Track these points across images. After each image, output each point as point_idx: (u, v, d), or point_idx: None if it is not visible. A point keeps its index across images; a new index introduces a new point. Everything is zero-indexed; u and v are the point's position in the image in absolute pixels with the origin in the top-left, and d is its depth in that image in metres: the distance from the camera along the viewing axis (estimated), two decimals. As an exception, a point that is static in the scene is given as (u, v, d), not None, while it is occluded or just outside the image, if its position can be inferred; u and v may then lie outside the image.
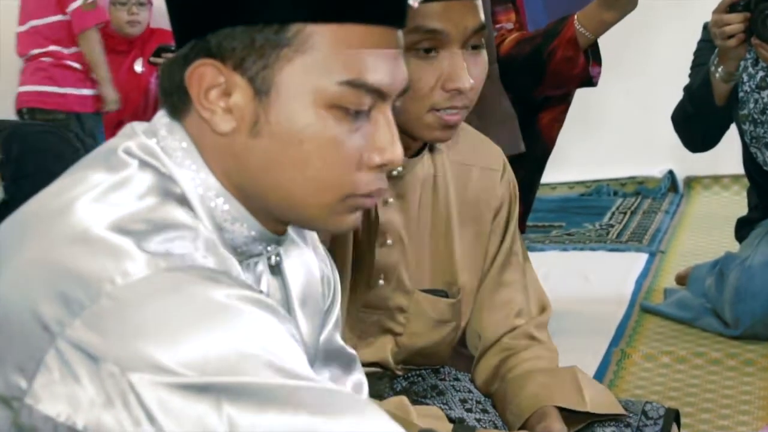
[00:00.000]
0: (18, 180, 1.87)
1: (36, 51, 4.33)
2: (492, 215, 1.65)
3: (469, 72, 1.44)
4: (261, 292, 1.07)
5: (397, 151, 1.01)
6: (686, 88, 3.03)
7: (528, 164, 2.77)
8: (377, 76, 0.99)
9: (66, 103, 4.31)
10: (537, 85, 2.70)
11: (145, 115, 4.40)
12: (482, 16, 1.47)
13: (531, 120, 2.81)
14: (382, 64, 0.99)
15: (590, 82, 2.65)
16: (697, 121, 2.96)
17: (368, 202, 1.03)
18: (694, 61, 3.07)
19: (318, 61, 0.97)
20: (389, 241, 1.59)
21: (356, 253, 1.57)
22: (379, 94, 1.00)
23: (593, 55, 2.63)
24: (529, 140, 2.72)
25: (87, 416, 0.88)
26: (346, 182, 1.00)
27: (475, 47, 1.47)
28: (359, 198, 1.02)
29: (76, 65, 4.33)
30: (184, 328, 0.88)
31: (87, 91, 4.35)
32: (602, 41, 2.65)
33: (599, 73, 2.65)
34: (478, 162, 1.66)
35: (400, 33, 1.02)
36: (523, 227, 2.87)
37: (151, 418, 0.87)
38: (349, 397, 0.94)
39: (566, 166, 4.79)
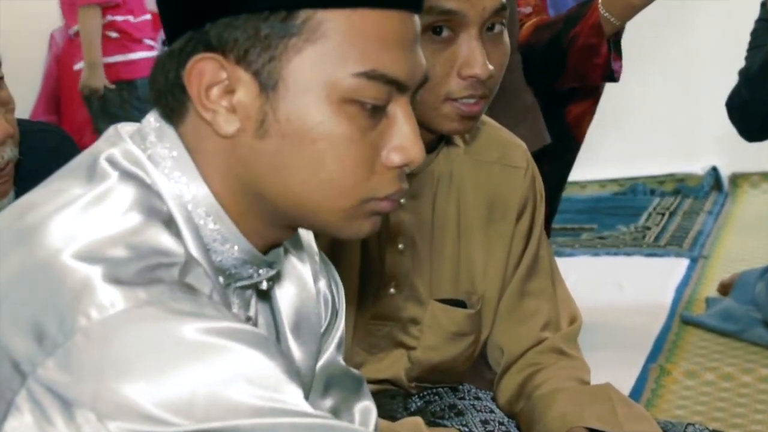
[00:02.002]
0: (19, 181, 1.89)
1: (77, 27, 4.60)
2: (515, 217, 1.66)
3: (488, 58, 1.45)
4: (249, 319, 1.08)
5: (418, 150, 1.01)
6: (742, 72, 3.04)
7: (555, 161, 2.77)
8: (395, 66, 0.99)
9: (113, 72, 4.52)
10: (558, 76, 2.70)
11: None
12: (503, -5, 1.47)
13: (558, 113, 2.82)
14: (401, 53, 0.99)
15: (611, 76, 2.65)
16: (755, 107, 2.98)
17: (387, 206, 1.03)
18: (751, 43, 3.08)
19: (330, 51, 0.97)
20: (401, 246, 1.59)
21: (364, 258, 1.58)
22: (397, 86, 1.00)
23: (614, 47, 2.63)
24: (557, 135, 2.72)
25: None
26: (363, 185, 1.00)
27: (495, 30, 1.47)
28: (378, 201, 1.02)
29: (113, 34, 4.53)
30: (166, 367, 0.88)
31: (134, 56, 4.49)
32: (634, 22, 2.65)
33: (621, 67, 2.65)
34: (499, 158, 1.66)
35: (417, 18, 1.02)
36: (548, 230, 2.87)
37: None
38: (353, 431, 0.94)
39: (597, 162, 4.80)
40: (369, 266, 1.58)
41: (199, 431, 0.87)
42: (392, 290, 1.60)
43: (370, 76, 0.98)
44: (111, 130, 1.04)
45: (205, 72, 0.98)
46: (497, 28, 1.47)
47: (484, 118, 1.63)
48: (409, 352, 1.63)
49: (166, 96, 1.02)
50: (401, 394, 1.67)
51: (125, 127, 1.04)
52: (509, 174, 1.66)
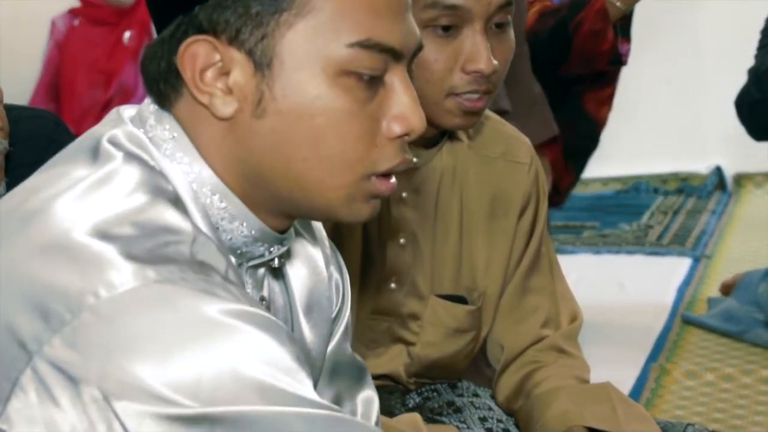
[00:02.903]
0: (10, 171, 1.88)
1: None
2: (518, 213, 1.66)
3: (492, 53, 1.45)
4: (263, 299, 1.08)
5: (419, 118, 1.01)
6: (752, 71, 3.04)
7: (575, 150, 2.78)
8: (389, 34, 0.99)
9: None
10: (562, 62, 2.70)
11: (136, 92, 4.43)
12: (509, -10, 1.47)
13: (575, 104, 2.81)
14: (393, 21, 0.99)
15: (619, 60, 2.65)
16: (764, 106, 2.98)
17: (387, 188, 1.03)
18: (761, 41, 3.08)
19: (322, 23, 0.97)
20: (402, 241, 1.60)
21: (366, 253, 1.58)
22: (393, 54, 1.00)
23: (623, 30, 2.63)
24: (578, 124, 2.72)
25: None
26: (365, 158, 1.00)
27: (500, 25, 1.47)
28: (379, 180, 1.02)
29: None
30: (174, 347, 0.88)
31: None
32: (638, 15, 2.65)
33: (629, 50, 2.65)
34: (503, 154, 1.66)
35: None
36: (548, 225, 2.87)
37: None
38: (358, 425, 0.94)
39: (600, 159, 4.75)
40: (370, 261, 1.59)
41: (204, 416, 0.87)
42: (393, 285, 1.61)
43: (365, 45, 0.98)
44: (113, 113, 1.05)
45: (199, 54, 0.98)
46: (502, 23, 1.47)
47: (488, 112, 1.63)
48: (408, 348, 1.63)
49: (159, 83, 1.01)
50: (399, 390, 1.67)
51: (126, 110, 1.04)
52: (513, 169, 1.66)
